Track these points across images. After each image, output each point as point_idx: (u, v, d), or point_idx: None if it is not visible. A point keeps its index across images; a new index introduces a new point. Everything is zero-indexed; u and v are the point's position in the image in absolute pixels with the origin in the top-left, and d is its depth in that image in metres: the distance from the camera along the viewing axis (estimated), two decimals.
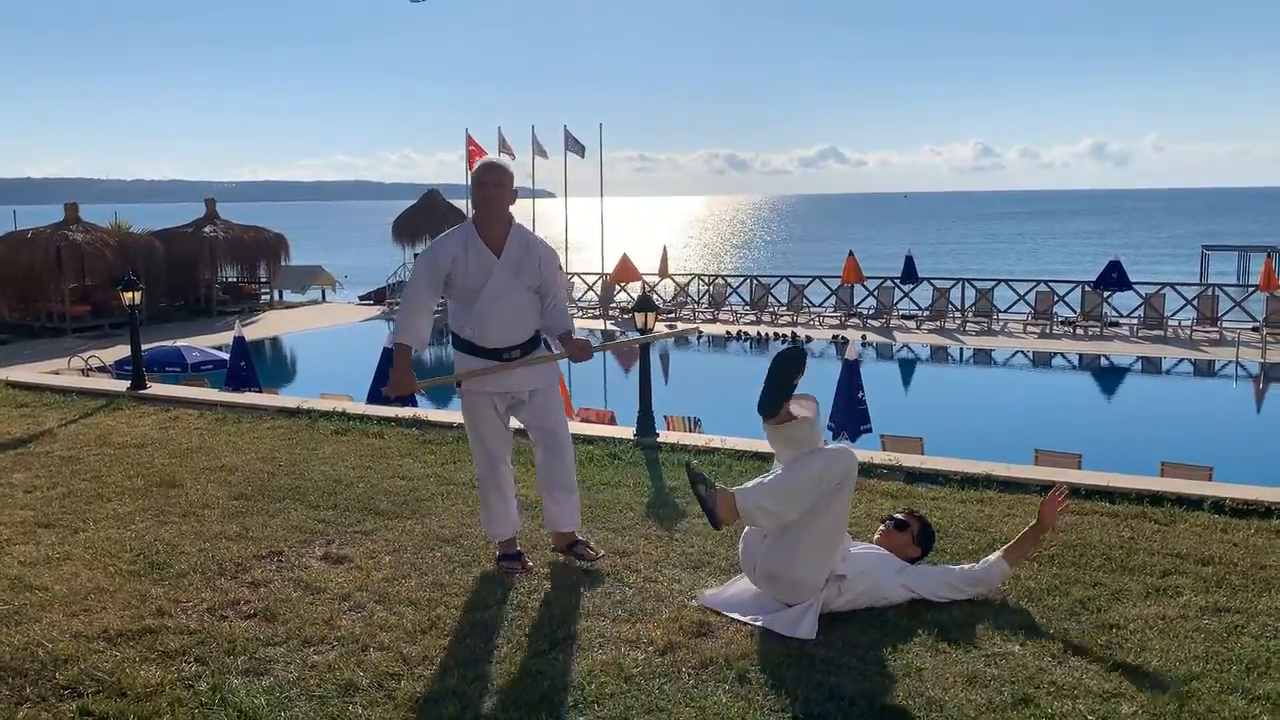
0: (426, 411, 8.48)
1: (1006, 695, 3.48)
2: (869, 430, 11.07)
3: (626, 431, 7.77)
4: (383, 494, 5.98)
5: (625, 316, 25.15)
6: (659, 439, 7.47)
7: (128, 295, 9.46)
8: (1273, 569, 4.66)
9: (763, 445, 7.14)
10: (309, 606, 4.31)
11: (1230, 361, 18.98)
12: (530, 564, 4.81)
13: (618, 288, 26.34)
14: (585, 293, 27.52)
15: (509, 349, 4.63)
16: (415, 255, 29.61)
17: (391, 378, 4.66)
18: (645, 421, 7.73)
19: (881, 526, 4.60)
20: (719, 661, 3.74)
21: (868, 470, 6.38)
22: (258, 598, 4.41)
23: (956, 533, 5.17)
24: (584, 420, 10.72)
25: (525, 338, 4.67)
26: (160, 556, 4.91)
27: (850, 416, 10.99)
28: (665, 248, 27.96)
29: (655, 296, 23.67)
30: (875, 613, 4.17)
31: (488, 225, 4.59)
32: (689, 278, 28.18)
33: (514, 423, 4.87)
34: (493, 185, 4.55)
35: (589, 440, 7.38)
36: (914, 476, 6.31)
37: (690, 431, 9.84)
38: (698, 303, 26.32)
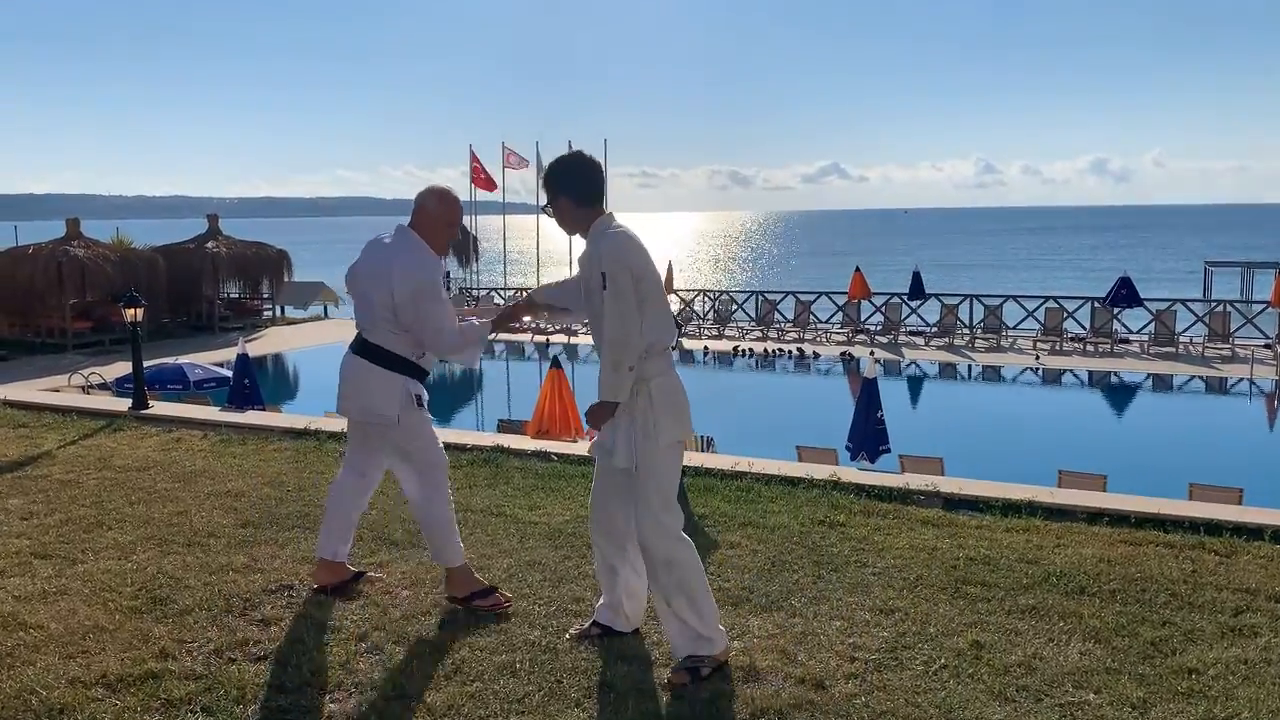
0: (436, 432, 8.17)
1: None
2: (888, 450, 10.76)
3: None
4: (397, 522, 5.69)
5: None
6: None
7: (129, 312, 9.18)
8: None
9: (793, 469, 6.86)
10: (324, 648, 4.02)
11: (1243, 379, 18.69)
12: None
13: None
14: None
15: None
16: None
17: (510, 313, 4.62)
18: None
19: None
20: (771, 712, 3.45)
21: (904, 496, 6.10)
22: (268, 637, 4.12)
23: (1008, 566, 4.88)
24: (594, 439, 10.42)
25: None
26: (163, 591, 4.63)
27: (868, 436, 10.68)
28: (670, 263, 27.66)
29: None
30: (930, 657, 3.89)
31: None
32: (694, 293, 27.89)
33: None
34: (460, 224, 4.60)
35: None
36: (953, 503, 6.02)
37: (704, 451, 9.53)
38: (703, 319, 26.02)
